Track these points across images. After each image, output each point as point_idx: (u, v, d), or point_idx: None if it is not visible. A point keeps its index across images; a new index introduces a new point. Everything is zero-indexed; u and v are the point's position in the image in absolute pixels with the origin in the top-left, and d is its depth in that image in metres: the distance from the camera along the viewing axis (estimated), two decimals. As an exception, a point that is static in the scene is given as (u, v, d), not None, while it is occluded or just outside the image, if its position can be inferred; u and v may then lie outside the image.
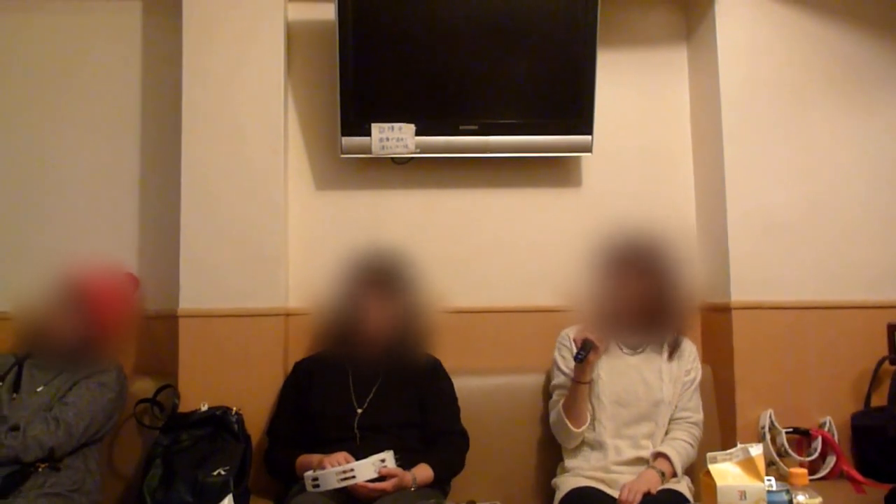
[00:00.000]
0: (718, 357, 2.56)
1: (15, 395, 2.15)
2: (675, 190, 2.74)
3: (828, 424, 2.47)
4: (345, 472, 1.93)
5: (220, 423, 2.25)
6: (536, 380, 2.43)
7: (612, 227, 2.30)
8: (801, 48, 2.61)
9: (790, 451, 2.40)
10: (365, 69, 2.47)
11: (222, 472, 2.11)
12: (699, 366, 2.27)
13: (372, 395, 2.20)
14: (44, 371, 2.20)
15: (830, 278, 2.55)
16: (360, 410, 2.17)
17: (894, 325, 2.46)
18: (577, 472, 2.16)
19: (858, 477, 2.37)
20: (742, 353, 2.47)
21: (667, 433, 2.18)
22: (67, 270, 2.26)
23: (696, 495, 2.02)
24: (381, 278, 2.26)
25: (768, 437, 2.42)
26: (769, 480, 1.50)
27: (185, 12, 2.46)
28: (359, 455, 1.98)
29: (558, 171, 2.70)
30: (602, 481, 2.11)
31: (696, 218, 2.74)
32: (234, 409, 2.28)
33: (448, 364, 2.33)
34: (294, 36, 2.64)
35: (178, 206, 2.42)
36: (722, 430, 2.50)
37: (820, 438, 2.43)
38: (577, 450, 2.20)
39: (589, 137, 2.56)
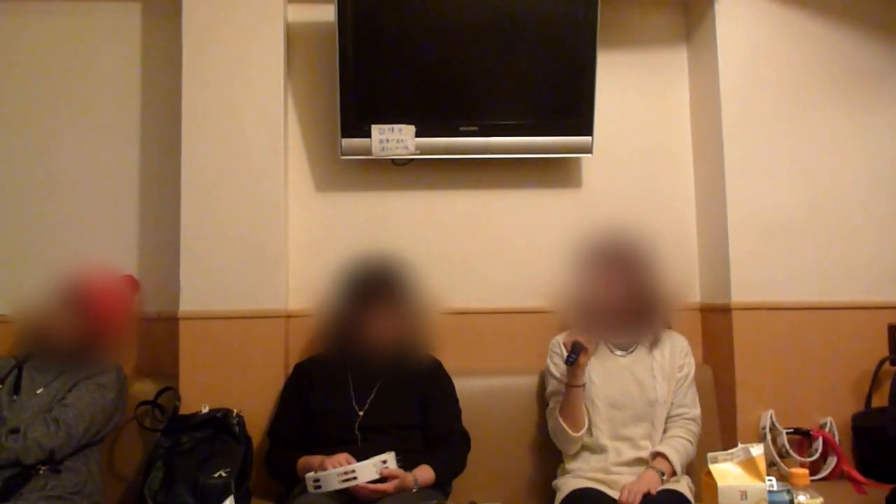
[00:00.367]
0: (719, 358, 2.56)
1: (15, 398, 2.14)
2: (675, 191, 2.74)
3: (829, 425, 2.47)
4: (346, 473, 1.93)
5: (221, 424, 2.25)
6: (537, 381, 2.43)
7: (595, 227, 2.32)
8: (800, 49, 2.61)
9: (791, 451, 2.40)
10: (365, 70, 2.47)
11: (223, 474, 2.11)
12: (692, 360, 2.27)
13: (373, 396, 2.20)
14: (44, 373, 2.20)
15: (831, 279, 2.56)
16: (361, 413, 2.17)
17: (895, 325, 2.46)
18: (578, 474, 2.16)
19: (859, 477, 2.37)
20: (743, 353, 2.47)
21: (665, 431, 2.18)
22: (67, 272, 2.27)
23: (697, 495, 2.02)
24: (380, 282, 2.26)
25: (769, 437, 2.42)
26: (770, 480, 1.50)
27: (184, 13, 2.46)
28: (360, 456, 1.98)
29: (558, 172, 2.70)
30: (603, 482, 2.11)
31: (697, 219, 2.74)
32: (235, 410, 2.28)
33: (449, 365, 2.33)
34: (294, 37, 2.64)
35: (178, 207, 2.42)
36: (723, 431, 2.50)
37: (821, 439, 2.43)
38: (576, 453, 2.20)
39: (589, 138, 2.56)
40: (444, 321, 2.44)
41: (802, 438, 2.47)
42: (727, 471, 1.52)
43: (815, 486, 1.54)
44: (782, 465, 2.37)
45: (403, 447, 2.08)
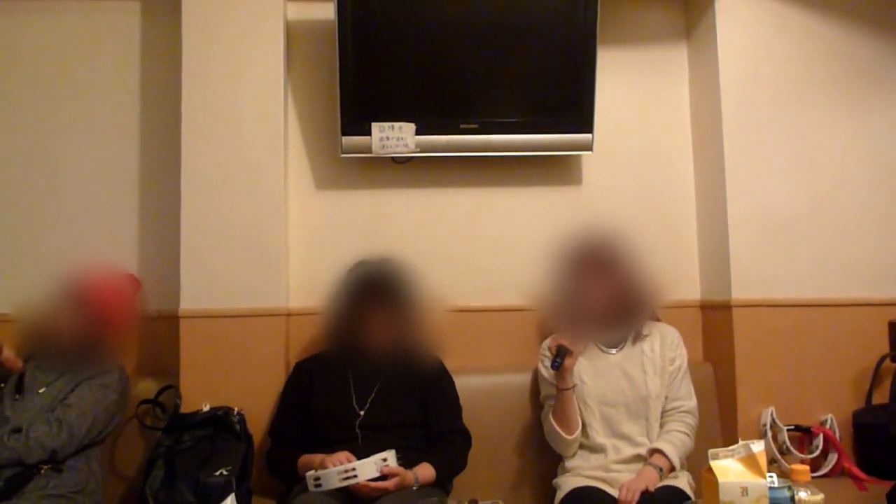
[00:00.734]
0: (720, 355, 2.56)
1: (17, 397, 2.15)
2: (675, 188, 2.74)
3: (829, 422, 2.47)
4: (346, 471, 1.93)
5: (222, 423, 2.25)
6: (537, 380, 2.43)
7: (573, 227, 2.34)
8: (801, 46, 2.61)
9: (792, 448, 2.40)
10: (365, 68, 2.47)
11: (224, 473, 2.11)
12: (684, 352, 2.27)
13: (373, 395, 2.20)
14: (46, 373, 2.21)
15: (831, 276, 2.55)
16: (361, 411, 2.17)
17: (895, 322, 2.46)
18: (578, 472, 2.16)
19: (860, 474, 2.37)
20: (743, 351, 2.47)
21: (662, 426, 2.18)
22: (69, 272, 2.27)
23: (698, 491, 2.02)
24: (381, 282, 2.25)
25: (770, 434, 2.42)
26: (771, 477, 1.50)
27: (184, 12, 2.46)
28: (361, 455, 1.98)
29: (559, 170, 2.70)
30: (602, 480, 2.11)
31: (697, 216, 2.74)
32: (236, 409, 2.29)
33: (450, 363, 2.33)
34: (294, 35, 2.64)
35: (178, 206, 2.43)
36: (723, 428, 2.51)
37: (821, 436, 2.43)
38: (575, 452, 2.20)
39: (589, 136, 2.56)
40: (444, 319, 2.44)
41: (803, 435, 2.47)
42: (728, 467, 1.51)
43: (816, 483, 1.53)
44: (783, 461, 2.37)
45: (404, 446, 2.08)
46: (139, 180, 2.64)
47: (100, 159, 2.63)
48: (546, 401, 2.27)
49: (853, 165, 2.61)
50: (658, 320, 2.34)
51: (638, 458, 2.14)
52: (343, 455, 2.00)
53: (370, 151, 2.50)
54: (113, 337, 2.28)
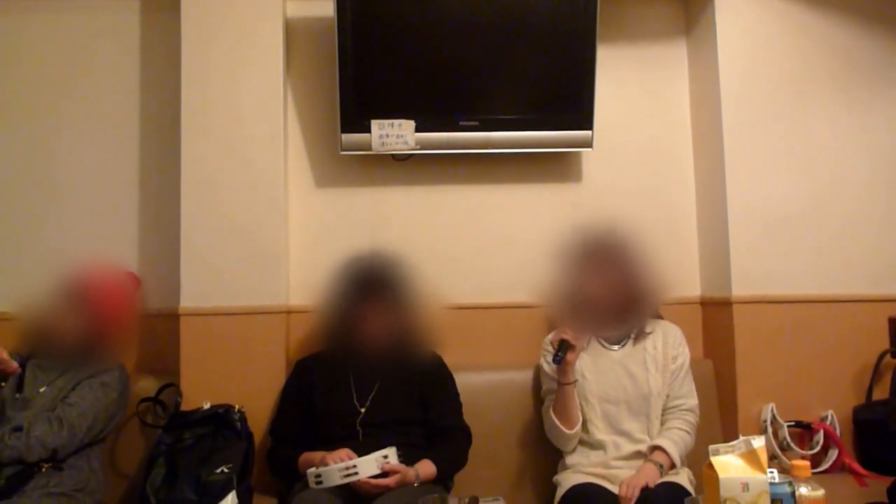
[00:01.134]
0: (720, 351, 2.56)
1: (18, 396, 2.15)
2: (675, 185, 2.74)
3: (829, 418, 2.47)
4: (347, 468, 1.93)
5: (223, 421, 2.25)
6: (538, 376, 2.43)
7: (578, 223, 2.33)
8: (800, 42, 2.61)
9: (792, 444, 2.40)
10: (364, 66, 2.47)
11: (225, 470, 2.11)
12: (686, 350, 2.27)
13: (374, 393, 2.20)
14: (47, 371, 2.21)
15: (831, 272, 2.56)
16: (362, 409, 2.18)
17: (895, 318, 2.46)
18: (578, 469, 2.16)
19: (860, 470, 2.37)
20: (743, 347, 2.47)
21: (662, 423, 2.18)
22: (69, 270, 2.26)
23: (698, 487, 2.02)
24: (377, 278, 2.25)
25: (770, 430, 2.42)
26: (772, 472, 1.50)
27: (183, 10, 2.46)
28: (361, 452, 1.98)
29: (559, 167, 2.70)
30: (603, 477, 2.11)
31: (697, 213, 2.74)
32: (237, 406, 2.29)
33: (450, 360, 2.33)
34: (293, 33, 2.64)
35: (178, 204, 2.42)
36: (724, 424, 2.51)
37: (822, 432, 2.43)
38: (576, 448, 2.20)
39: (589, 133, 2.56)
40: (445, 316, 2.44)
41: (804, 431, 2.47)
42: (728, 463, 1.51)
43: (817, 479, 1.53)
44: (783, 457, 2.37)
45: (405, 443, 2.08)
46: (139, 178, 2.64)
47: (100, 158, 2.63)
48: (547, 395, 2.27)
49: (853, 162, 2.61)
50: (661, 317, 2.34)
51: (638, 454, 2.14)
52: (344, 452, 2.00)
53: (370, 149, 2.50)
54: (113, 335, 2.28)
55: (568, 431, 2.15)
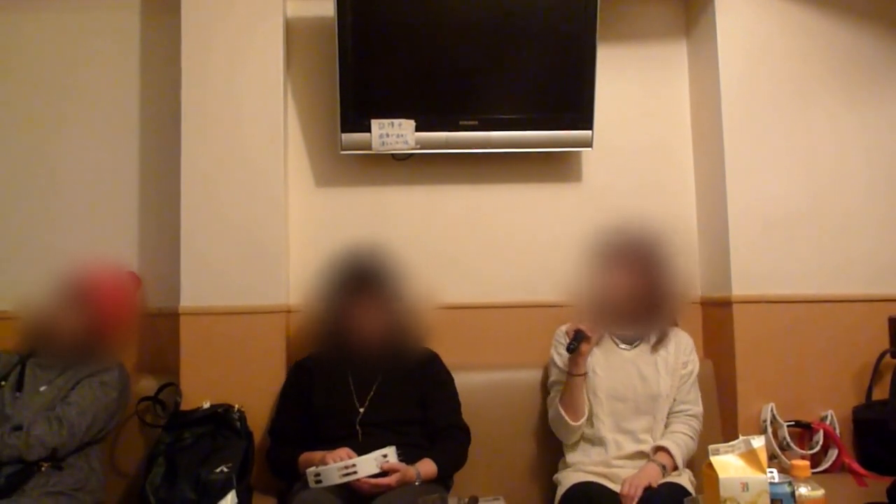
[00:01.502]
0: (720, 351, 2.56)
1: (18, 395, 2.15)
2: (675, 184, 2.74)
3: (829, 418, 2.47)
4: (347, 467, 1.93)
5: (223, 420, 2.25)
6: (537, 375, 2.43)
7: (607, 220, 2.30)
8: (801, 42, 2.61)
9: (792, 444, 2.40)
10: (364, 65, 2.47)
11: (225, 470, 2.11)
12: (696, 358, 2.27)
13: (373, 392, 2.20)
14: (47, 370, 2.21)
15: (831, 272, 2.55)
16: (361, 409, 2.17)
17: (895, 318, 2.46)
18: (579, 467, 2.16)
19: (860, 470, 2.37)
20: (743, 346, 2.47)
21: (666, 426, 2.18)
22: (69, 269, 2.26)
23: (698, 488, 2.02)
24: (367, 275, 2.24)
25: (770, 430, 2.42)
26: (771, 472, 1.50)
27: (183, 10, 2.46)
28: (361, 452, 1.98)
29: (559, 167, 2.70)
30: (604, 476, 2.11)
31: (697, 212, 2.74)
32: (236, 406, 2.29)
33: (449, 360, 2.33)
34: (293, 33, 2.64)
35: (178, 204, 2.42)
36: (723, 425, 2.50)
37: (821, 432, 2.43)
38: (577, 445, 2.21)
39: (589, 132, 2.56)
40: (445, 316, 2.44)
41: (803, 431, 2.47)
42: (728, 462, 1.51)
43: (817, 479, 1.53)
44: (783, 457, 2.37)
45: (404, 442, 2.08)
46: (139, 178, 2.64)
47: (100, 157, 2.63)
48: (553, 387, 2.27)
49: (853, 161, 2.61)
50: (676, 324, 2.33)
51: (639, 454, 2.14)
52: (343, 451, 2.00)
53: (370, 148, 2.50)
54: (113, 334, 2.28)
55: (573, 423, 2.15)
